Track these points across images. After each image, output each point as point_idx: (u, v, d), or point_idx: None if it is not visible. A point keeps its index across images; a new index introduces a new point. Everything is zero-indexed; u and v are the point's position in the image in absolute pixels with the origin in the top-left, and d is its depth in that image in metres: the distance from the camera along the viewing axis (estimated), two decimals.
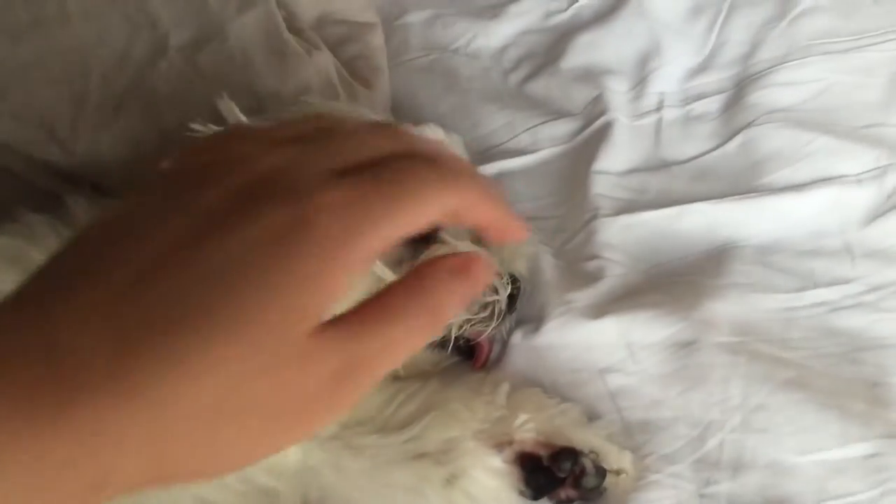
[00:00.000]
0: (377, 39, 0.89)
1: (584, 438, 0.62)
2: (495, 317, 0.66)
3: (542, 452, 0.62)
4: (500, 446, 0.62)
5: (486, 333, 0.67)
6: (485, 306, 0.65)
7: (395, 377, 0.68)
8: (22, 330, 0.26)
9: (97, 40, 0.73)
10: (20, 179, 0.72)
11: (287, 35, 0.77)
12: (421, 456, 0.62)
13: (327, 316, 0.29)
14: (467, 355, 0.70)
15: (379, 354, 0.31)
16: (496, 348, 0.71)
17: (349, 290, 0.29)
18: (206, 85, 0.75)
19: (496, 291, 0.65)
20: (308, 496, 0.62)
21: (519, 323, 0.71)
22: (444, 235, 0.65)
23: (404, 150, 0.32)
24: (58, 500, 0.26)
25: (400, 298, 0.32)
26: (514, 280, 0.67)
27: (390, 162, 0.31)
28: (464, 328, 0.66)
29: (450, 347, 0.67)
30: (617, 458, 0.62)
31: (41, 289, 0.28)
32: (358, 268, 0.29)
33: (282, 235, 0.28)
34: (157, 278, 0.27)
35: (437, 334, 0.44)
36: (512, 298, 0.67)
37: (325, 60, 0.79)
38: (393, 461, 0.62)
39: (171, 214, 0.29)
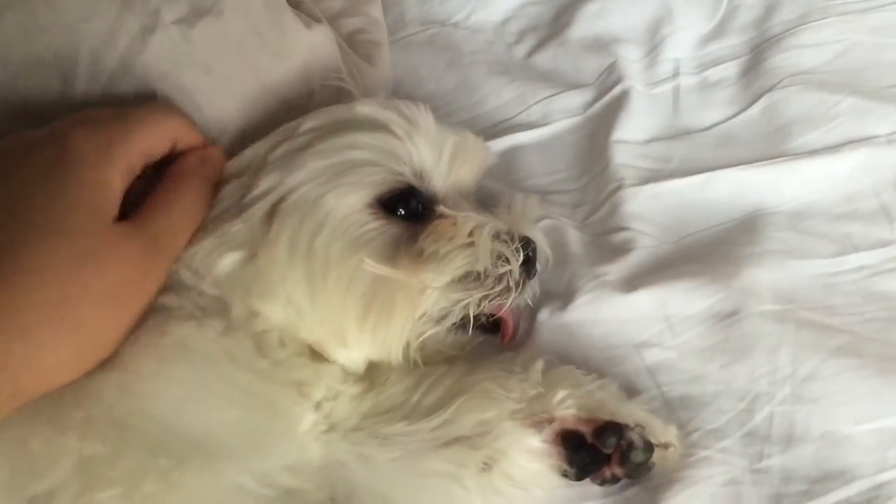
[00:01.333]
0: (377, 12, 0.85)
1: (629, 411, 0.58)
2: (512, 287, 0.61)
3: (585, 429, 0.58)
4: (538, 425, 0.58)
5: (507, 306, 0.63)
6: (499, 279, 0.61)
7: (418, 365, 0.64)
8: None
9: (84, 15, 0.69)
10: None
11: (286, 6, 0.72)
12: (454, 441, 0.57)
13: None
14: (493, 332, 0.66)
15: (169, 231, 0.52)
16: (523, 321, 0.67)
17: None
18: (202, 62, 0.70)
19: (507, 261, 0.61)
20: (336, 492, 0.58)
21: (545, 299, 0.68)
22: (442, 209, 0.61)
23: None
24: None
25: (170, 190, 0.54)
26: (526, 243, 0.62)
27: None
28: (482, 305, 0.61)
29: (471, 327, 0.63)
30: (663, 432, 0.58)
31: None
32: (120, 169, 0.50)
33: (55, 160, 0.47)
34: None
35: (207, 209, 0.57)
36: (528, 263, 0.62)
37: (325, 34, 0.75)
38: (424, 449, 0.57)
39: None
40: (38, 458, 0.47)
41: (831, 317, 0.63)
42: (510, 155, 0.80)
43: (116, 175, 0.50)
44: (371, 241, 0.58)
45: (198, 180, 0.57)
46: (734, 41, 0.84)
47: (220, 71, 0.70)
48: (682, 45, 0.85)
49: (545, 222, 0.72)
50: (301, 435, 0.57)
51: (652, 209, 0.71)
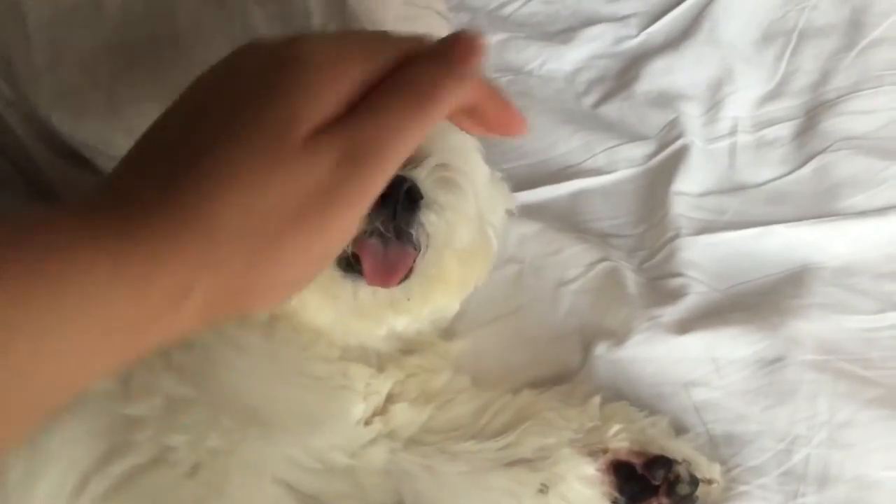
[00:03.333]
0: None
1: (677, 448, 0.64)
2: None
3: (636, 461, 0.64)
4: (593, 454, 0.64)
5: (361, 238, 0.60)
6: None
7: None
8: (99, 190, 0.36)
9: (204, 61, 0.77)
10: None
11: None
12: (517, 462, 0.64)
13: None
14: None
15: (376, 140, 0.37)
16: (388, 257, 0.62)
17: None
18: None
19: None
20: (404, 499, 0.65)
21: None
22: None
23: None
24: (150, 310, 0.33)
25: (388, 91, 0.38)
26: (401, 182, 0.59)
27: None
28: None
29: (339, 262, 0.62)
30: (708, 468, 0.64)
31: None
32: (341, 84, 0.37)
33: (273, 64, 0.37)
34: (182, 130, 0.37)
35: (434, 118, 0.38)
36: (389, 202, 0.58)
37: None
38: (489, 467, 0.64)
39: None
40: (138, 385, 0.54)
41: (868, 370, 0.68)
42: (575, 198, 0.87)
43: (341, 82, 0.38)
44: None
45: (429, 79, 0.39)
46: (790, 103, 0.90)
47: None
48: (740, 104, 0.90)
49: (604, 264, 0.78)
50: (354, 422, 0.64)
51: (706, 258, 0.77)
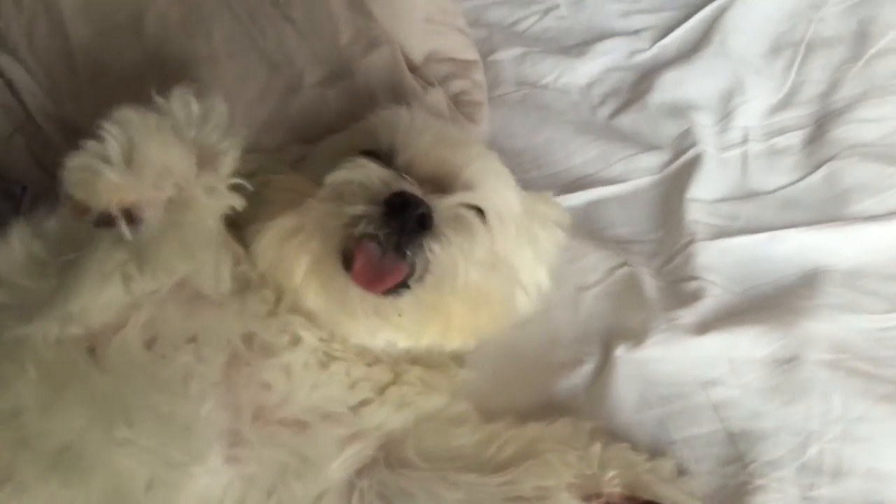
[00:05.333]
0: (480, 76, 0.97)
1: (669, 494, 0.66)
2: (360, 226, 0.63)
3: None
4: (589, 499, 0.67)
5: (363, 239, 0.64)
6: (357, 218, 0.64)
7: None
8: None
9: (239, 77, 0.81)
10: None
11: (407, 74, 0.84)
12: (516, 499, 0.66)
13: None
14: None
15: None
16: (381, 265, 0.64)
17: None
18: (334, 118, 0.81)
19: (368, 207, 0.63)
20: None
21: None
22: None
23: None
24: None
25: None
26: (403, 204, 0.62)
27: None
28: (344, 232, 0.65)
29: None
30: None
31: None
32: None
33: None
34: None
35: None
36: (395, 217, 0.62)
37: (438, 97, 0.86)
38: (489, 500, 0.66)
39: None
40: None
41: (879, 367, 0.71)
42: (593, 207, 0.90)
43: None
44: None
45: None
46: (799, 113, 0.93)
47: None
48: (751, 114, 0.94)
49: (623, 269, 0.82)
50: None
51: (721, 262, 0.80)
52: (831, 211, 0.83)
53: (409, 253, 0.63)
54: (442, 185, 0.68)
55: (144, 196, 0.58)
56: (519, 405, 0.75)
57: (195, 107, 0.63)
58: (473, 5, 1.14)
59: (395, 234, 0.62)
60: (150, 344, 0.61)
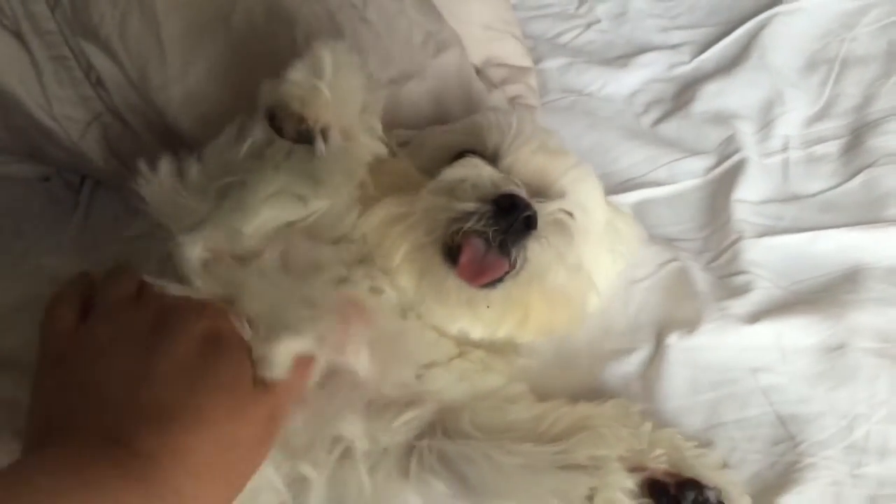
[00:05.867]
0: (533, 81, 1.02)
1: (712, 476, 0.69)
2: (471, 223, 0.67)
3: (670, 481, 0.68)
4: (636, 471, 0.69)
5: (470, 233, 0.68)
6: (467, 215, 0.67)
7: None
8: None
9: None
10: None
11: (474, 75, 0.89)
12: (570, 466, 0.68)
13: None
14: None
15: (286, 404, 0.57)
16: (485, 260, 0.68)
17: None
18: (405, 116, 0.86)
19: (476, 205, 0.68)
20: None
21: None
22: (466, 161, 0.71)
23: None
24: None
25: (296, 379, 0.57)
26: (512, 205, 0.67)
27: None
28: (452, 227, 0.68)
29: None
30: (738, 499, 0.68)
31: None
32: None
33: (211, 345, 0.55)
34: (145, 384, 0.52)
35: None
36: (502, 216, 0.66)
37: (500, 98, 0.91)
38: (545, 466, 0.68)
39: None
40: None
41: None
42: (642, 207, 0.95)
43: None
44: None
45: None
46: (836, 123, 0.99)
47: (415, 125, 0.86)
48: (790, 123, 1.00)
49: (673, 264, 0.86)
50: None
51: (768, 258, 0.85)
52: (870, 214, 0.88)
53: (513, 251, 0.67)
54: (539, 189, 0.73)
55: (339, 120, 0.64)
56: (573, 389, 0.78)
57: (348, 57, 0.68)
58: (518, 18, 1.19)
59: (502, 233, 0.66)
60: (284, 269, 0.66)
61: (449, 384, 0.72)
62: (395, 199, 0.70)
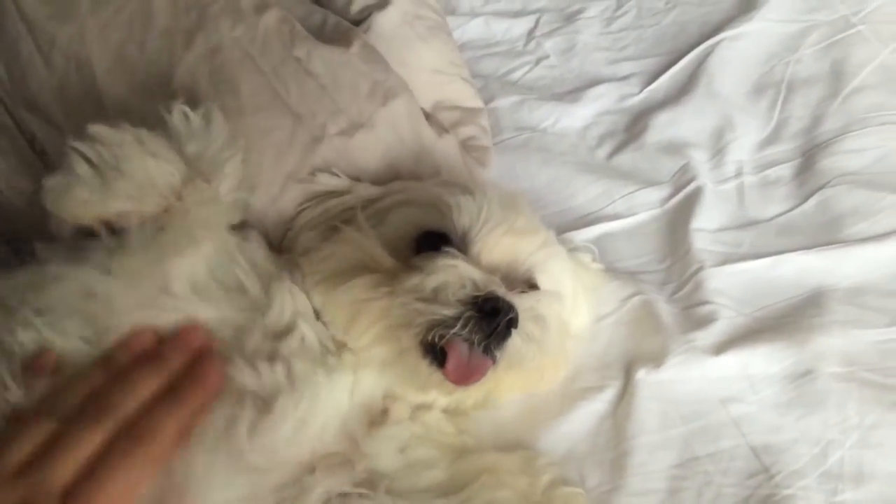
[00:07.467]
0: (485, 121, 1.02)
1: None
2: (455, 327, 0.67)
3: None
4: None
5: (454, 338, 0.68)
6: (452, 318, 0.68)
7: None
8: None
9: (265, 129, 0.84)
10: None
11: (424, 121, 0.88)
12: None
13: None
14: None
15: None
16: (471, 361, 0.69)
17: None
18: (359, 166, 0.85)
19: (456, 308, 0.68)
20: None
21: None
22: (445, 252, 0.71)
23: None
24: None
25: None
26: (494, 307, 0.67)
27: None
28: (433, 331, 0.68)
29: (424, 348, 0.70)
30: None
31: None
32: None
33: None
34: None
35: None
36: (483, 318, 0.67)
37: (451, 143, 0.91)
38: None
39: None
40: None
41: (888, 377, 0.75)
42: (601, 242, 0.95)
43: None
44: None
45: None
46: (787, 146, 1.00)
47: (368, 174, 0.85)
48: (742, 149, 1.00)
49: (637, 297, 0.86)
50: None
51: (730, 286, 0.85)
52: (827, 235, 0.88)
53: (497, 353, 0.68)
54: (508, 271, 0.73)
55: (125, 209, 0.63)
56: (543, 433, 0.78)
57: (195, 120, 0.68)
58: (466, 58, 1.20)
59: (486, 337, 0.67)
60: None
61: (386, 454, 0.72)
62: (364, 281, 0.70)
